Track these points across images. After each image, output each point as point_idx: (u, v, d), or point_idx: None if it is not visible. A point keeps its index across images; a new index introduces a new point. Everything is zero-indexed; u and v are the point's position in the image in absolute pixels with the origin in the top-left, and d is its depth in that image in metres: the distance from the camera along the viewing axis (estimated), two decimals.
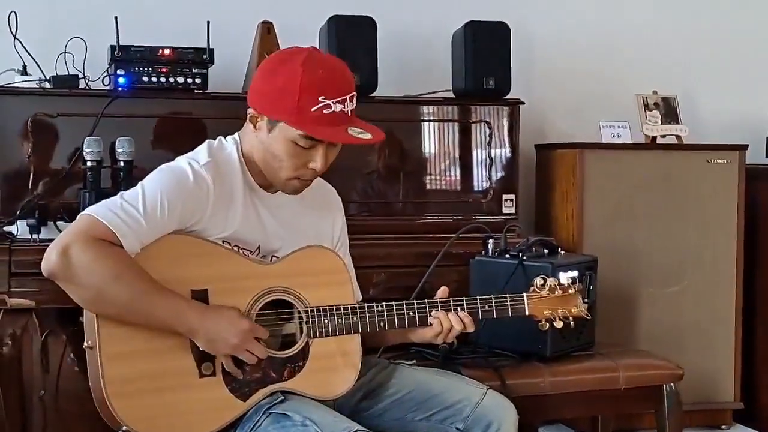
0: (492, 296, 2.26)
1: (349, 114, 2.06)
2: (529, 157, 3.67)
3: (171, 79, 3.05)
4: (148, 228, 1.97)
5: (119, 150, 2.88)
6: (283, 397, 2.06)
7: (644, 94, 3.67)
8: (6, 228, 2.86)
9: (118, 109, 2.99)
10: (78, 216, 1.99)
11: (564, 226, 3.48)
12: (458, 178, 3.41)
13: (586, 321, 2.40)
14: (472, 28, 3.33)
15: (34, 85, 3.01)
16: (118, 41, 3.00)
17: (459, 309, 2.22)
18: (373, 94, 3.21)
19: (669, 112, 3.68)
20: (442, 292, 2.26)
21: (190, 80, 3.06)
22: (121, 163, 2.88)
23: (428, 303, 2.21)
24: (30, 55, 3.05)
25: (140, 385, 1.96)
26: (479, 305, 2.24)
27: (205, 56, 3.07)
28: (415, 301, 2.20)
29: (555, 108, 3.85)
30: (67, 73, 3.05)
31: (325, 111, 2.02)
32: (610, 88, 3.84)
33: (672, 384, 2.79)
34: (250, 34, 3.23)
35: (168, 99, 3.12)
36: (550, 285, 2.28)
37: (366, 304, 2.15)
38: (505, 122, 3.42)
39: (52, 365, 2.78)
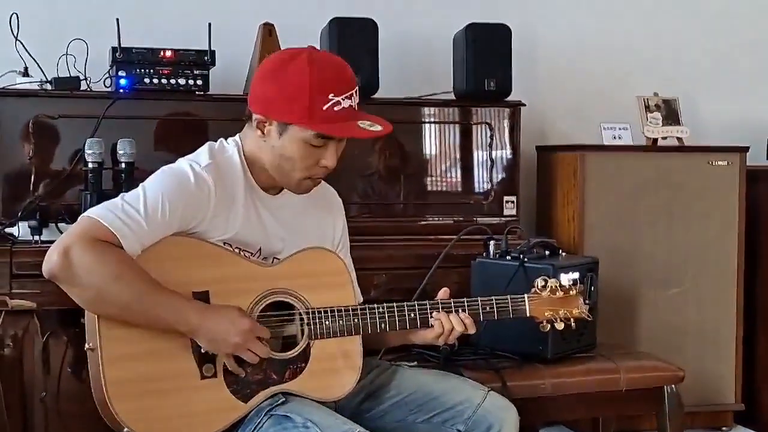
0: (493, 297, 2.26)
1: (356, 108, 2.08)
2: (530, 158, 3.67)
3: (172, 81, 3.05)
4: (149, 230, 1.97)
5: (120, 151, 2.88)
6: (284, 399, 2.06)
7: (645, 96, 3.67)
8: (7, 229, 2.86)
9: (119, 111, 2.99)
10: (79, 218, 1.99)
11: (565, 228, 3.48)
12: (459, 179, 3.42)
13: (587, 322, 2.40)
14: (473, 30, 3.34)
15: (35, 86, 3.01)
16: (119, 43, 3.01)
17: (460, 310, 2.22)
18: (374, 96, 3.21)
19: (670, 113, 3.68)
20: (443, 293, 2.26)
21: (191, 82, 3.06)
22: (123, 165, 2.89)
23: (429, 304, 2.21)
24: (31, 57, 3.06)
25: (141, 387, 1.96)
26: (480, 306, 2.24)
27: (206, 58, 3.08)
28: (416, 303, 2.20)
29: (556, 110, 3.85)
30: (68, 75, 3.05)
31: (335, 108, 2.03)
32: (611, 90, 3.84)
33: (673, 385, 2.79)
34: (252, 36, 3.24)
35: (169, 101, 3.12)
36: (552, 286, 2.28)
37: (367, 306, 2.16)
38: (506, 124, 3.43)
39: (53, 367, 2.78)
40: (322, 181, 2.25)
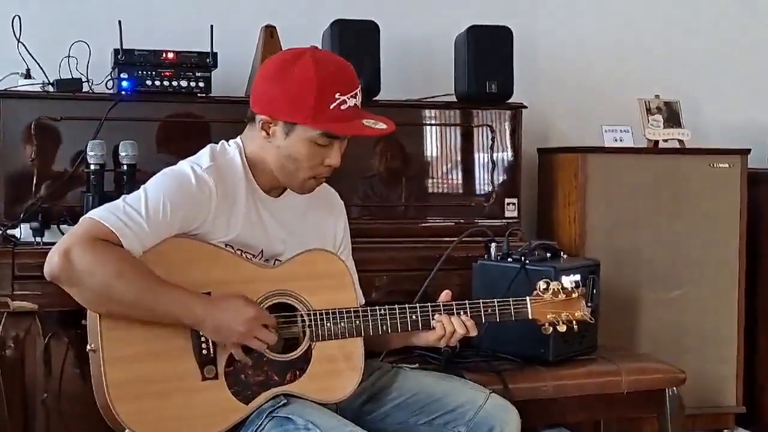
0: (495, 300, 2.26)
1: (360, 106, 2.09)
2: (531, 160, 3.67)
3: (174, 83, 3.05)
4: (150, 231, 1.97)
5: (122, 153, 2.88)
6: (285, 401, 2.06)
7: (647, 98, 3.67)
8: (9, 231, 2.87)
9: (121, 113, 2.99)
10: (80, 219, 1.99)
11: (566, 230, 3.48)
12: (461, 181, 3.42)
13: (588, 325, 2.40)
14: (474, 32, 3.34)
15: (37, 88, 3.01)
16: (121, 45, 3.01)
17: (462, 312, 2.22)
18: (376, 98, 3.21)
19: (671, 116, 3.68)
20: (445, 295, 2.26)
21: (193, 84, 3.07)
22: (124, 167, 2.88)
23: (431, 306, 2.21)
24: (34, 59, 3.06)
25: (143, 388, 1.96)
26: (482, 309, 2.24)
27: (208, 60, 3.08)
28: (417, 305, 2.20)
29: (557, 112, 3.85)
30: (70, 77, 3.05)
31: (342, 107, 2.04)
32: (612, 92, 3.84)
33: (674, 388, 2.79)
34: (254, 38, 3.24)
35: (171, 102, 3.12)
36: (554, 288, 2.28)
37: (369, 308, 2.16)
38: (508, 126, 3.43)
39: (55, 368, 2.78)
40: (324, 183, 2.25)
